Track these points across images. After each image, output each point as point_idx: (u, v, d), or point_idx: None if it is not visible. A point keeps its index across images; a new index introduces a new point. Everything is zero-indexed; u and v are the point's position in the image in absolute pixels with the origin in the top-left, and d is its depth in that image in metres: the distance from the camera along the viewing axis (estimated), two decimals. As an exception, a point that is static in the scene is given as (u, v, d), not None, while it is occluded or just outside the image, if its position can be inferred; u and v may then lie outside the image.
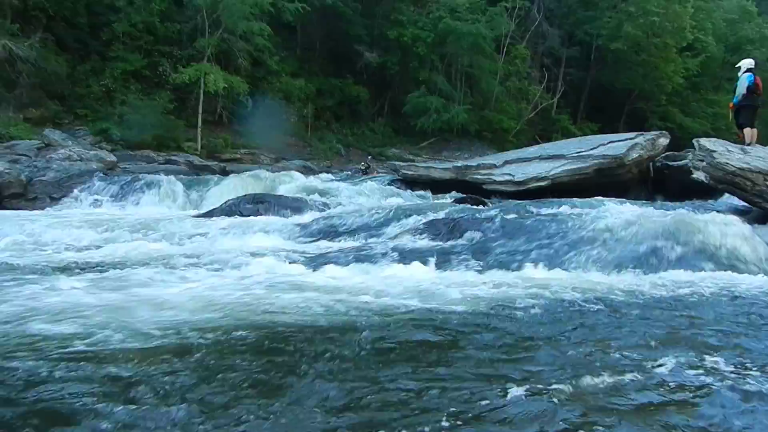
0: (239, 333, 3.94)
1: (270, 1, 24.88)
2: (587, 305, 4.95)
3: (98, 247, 7.62)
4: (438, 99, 29.28)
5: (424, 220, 8.67)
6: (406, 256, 6.71)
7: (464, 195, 13.43)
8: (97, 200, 14.61)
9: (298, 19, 27.17)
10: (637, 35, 33.65)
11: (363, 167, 22.92)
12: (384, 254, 6.69)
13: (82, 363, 3.33)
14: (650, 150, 14.06)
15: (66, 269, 6.11)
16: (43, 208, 13.45)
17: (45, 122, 20.79)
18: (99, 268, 6.10)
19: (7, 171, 14.86)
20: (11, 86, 20.81)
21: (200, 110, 24.09)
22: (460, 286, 5.48)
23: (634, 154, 13.67)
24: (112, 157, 17.66)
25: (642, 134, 14.73)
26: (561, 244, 6.79)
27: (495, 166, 14.89)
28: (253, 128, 24.60)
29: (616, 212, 7.80)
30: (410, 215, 9.39)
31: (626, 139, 14.36)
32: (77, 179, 15.53)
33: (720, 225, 6.48)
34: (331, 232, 9.14)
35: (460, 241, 7.38)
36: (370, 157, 26.09)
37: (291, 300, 4.83)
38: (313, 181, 18.06)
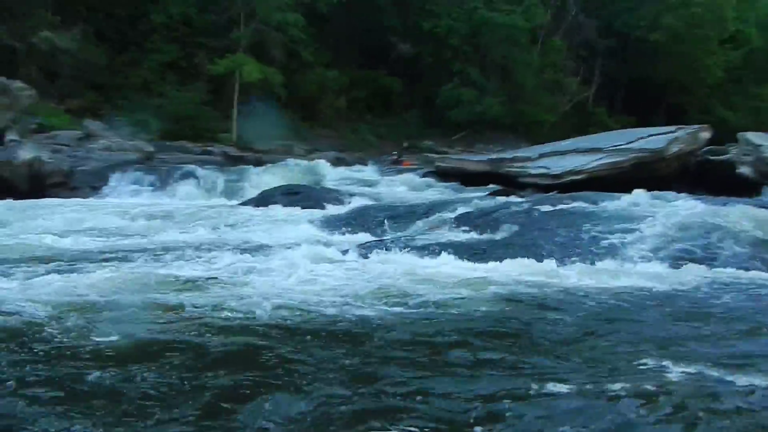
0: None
1: (304, -8, 24.95)
2: (639, 300, 4.89)
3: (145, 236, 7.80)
4: (471, 91, 29.03)
5: (460, 212, 8.63)
6: (444, 248, 6.69)
7: (500, 187, 13.32)
8: (135, 190, 14.91)
9: (332, 10, 27.16)
10: (676, 26, 32.75)
11: (395, 157, 22.85)
12: (423, 246, 6.68)
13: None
14: (691, 144, 13.76)
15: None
16: (84, 197, 13.76)
17: (85, 112, 21.20)
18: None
19: (49, 160, 15.25)
20: (53, 77, 21.29)
21: (235, 101, 24.30)
22: (499, 280, 5.46)
23: (675, 148, 13.40)
24: (150, 148, 17.95)
25: (682, 128, 14.43)
26: (606, 238, 6.69)
27: (530, 159, 14.75)
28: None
29: (664, 207, 7.66)
30: (446, 207, 9.36)
31: (666, 133, 14.09)
32: (116, 169, 15.86)
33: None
34: (366, 224, 9.15)
35: (497, 234, 7.32)
36: (406, 145, 25.95)
37: (344, 291, 4.87)
38: (348, 172, 18.16)
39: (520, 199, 9.84)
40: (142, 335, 3.65)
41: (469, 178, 15.71)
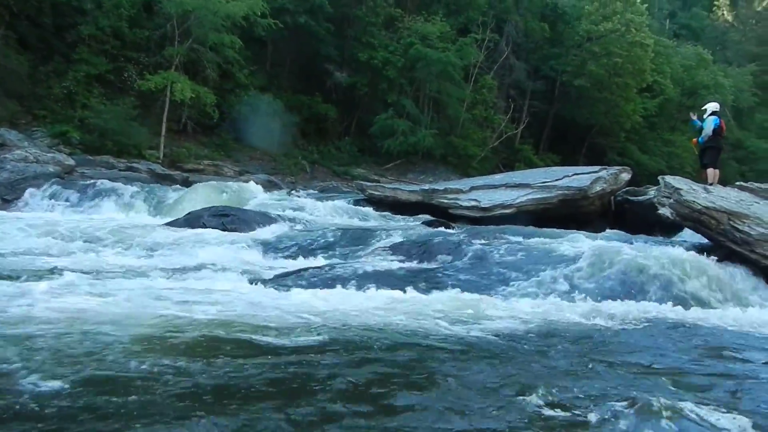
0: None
1: (242, 15, 24.70)
2: (554, 335, 4.95)
3: (54, 255, 7.29)
4: (405, 122, 29.45)
5: (394, 241, 8.61)
6: (378, 278, 6.62)
7: (433, 218, 13.44)
8: (52, 204, 14.11)
9: (269, 34, 27.07)
10: (599, 74, 34.71)
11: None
12: (356, 275, 6.58)
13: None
14: (613, 184, 14.40)
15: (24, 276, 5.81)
16: (-7, 210, 12.90)
17: (1, 122, 20.01)
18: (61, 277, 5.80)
19: (-44, 169, 14.25)
20: (-35, 82, 20.04)
21: (165, 119, 23.60)
22: (434, 309, 5.43)
23: (598, 187, 13.98)
24: (71, 161, 17.12)
25: (606, 168, 15.10)
26: (532, 272, 6.81)
27: (461, 191, 15.00)
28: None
29: (584, 243, 7.89)
30: (379, 235, 9.32)
31: (590, 172, 14.69)
32: (32, 182, 15.01)
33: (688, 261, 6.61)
34: (297, 250, 8.99)
35: (431, 264, 7.33)
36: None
37: (260, 319, 4.68)
38: (278, 196, 17.88)
39: (453, 231, 9.94)
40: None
41: (401, 207, 15.81)
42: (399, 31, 31.69)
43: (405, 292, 6.01)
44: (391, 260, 7.76)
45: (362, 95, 31.32)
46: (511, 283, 6.80)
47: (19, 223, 9.92)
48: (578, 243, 7.93)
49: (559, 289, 6.70)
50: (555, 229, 9.48)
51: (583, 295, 6.47)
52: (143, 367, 3.35)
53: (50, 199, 14.47)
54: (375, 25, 31.51)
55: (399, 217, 15.53)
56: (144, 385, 3.12)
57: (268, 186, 20.25)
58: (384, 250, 8.18)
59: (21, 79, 21.68)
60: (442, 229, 10.82)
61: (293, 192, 19.57)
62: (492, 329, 4.83)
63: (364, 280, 6.31)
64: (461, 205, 14.40)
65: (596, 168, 15.32)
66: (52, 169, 15.95)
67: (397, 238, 8.94)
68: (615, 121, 37.10)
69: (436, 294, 5.99)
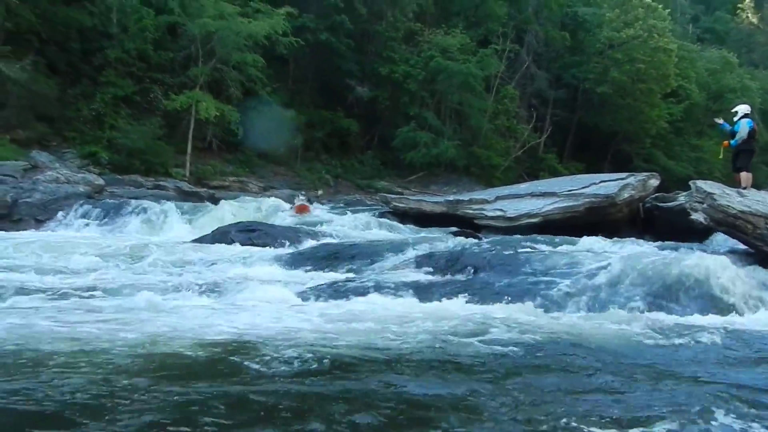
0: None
1: (264, 35, 25.05)
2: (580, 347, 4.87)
3: (93, 270, 7.41)
4: (427, 134, 29.50)
5: (421, 253, 8.58)
6: (407, 288, 6.59)
7: (458, 229, 13.39)
8: (84, 223, 14.36)
9: (291, 52, 27.37)
10: (622, 80, 34.39)
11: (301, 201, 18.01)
12: (385, 286, 6.56)
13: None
14: (641, 191, 14.19)
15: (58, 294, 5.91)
16: (27, 230, 13.17)
17: (32, 144, 20.49)
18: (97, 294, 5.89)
19: (-9, 191, 14.60)
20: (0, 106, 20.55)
21: (190, 137, 23.97)
22: (466, 320, 5.38)
23: (626, 194, 13.79)
24: (100, 181, 17.43)
25: (633, 175, 14.89)
26: (564, 281, 6.72)
27: (487, 201, 14.92)
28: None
29: (615, 251, 7.78)
30: (406, 247, 9.30)
31: (618, 179, 14.50)
32: (64, 202, 15.30)
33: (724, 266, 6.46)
34: (325, 263, 9.01)
35: (459, 276, 7.29)
36: (320, 192, 24.96)
37: (296, 329, 4.69)
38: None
39: (480, 241, 9.88)
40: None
41: (426, 219, 15.78)
42: (419, 45, 31.85)
43: (440, 302, 5.99)
44: (420, 272, 7.74)
45: (384, 109, 31.48)
46: (544, 293, 6.71)
47: (52, 241, 10.11)
48: (609, 251, 7.82)
49: (593, 298, 6.59)
50: (584, 237, 9.36)
51: (618, 304, 6.36)
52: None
53: (81, 218, 14.72)
54: (395, 40, 31.75)
55: (424, 228, 15.53)
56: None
57: (292, 201, 20.37)
58: (412, 262, 8.15)
59: (51, 102, 22.21)
60: (469, 239, 10.77)
61: (318, 204, 19.64)
62: (531, 341, 4.78)
63: (397, 290, 6.30)
64: (487, 215, 14.31)
65: (623, 175, 15.11)
66: (82, 189, 16.25)
67: (424, 249, 8.92)
68: (640, 127, 36.65)
69: (471, 305, 5.94)
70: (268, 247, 10.52)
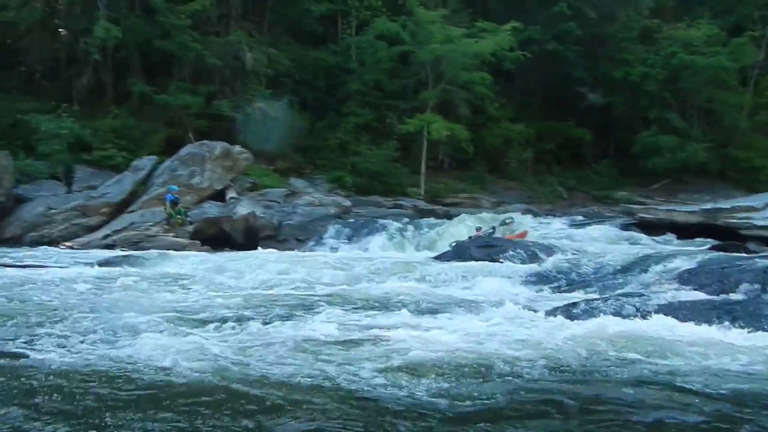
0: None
1: (490, 52, 25.27)
2: None
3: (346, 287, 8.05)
4: (672, 138, 26.90)
5: (681, 268, 7.75)
6: (668, 310, 5.97)
7: (717, 241, 11.92)
8: (335, 242, 15.77)
9: (517, 66, 27.16)
10: None
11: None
12: (643, 306, 6.03)
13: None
14: None
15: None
16: (290, 249, 14.82)
17: (290, 172, 23.23)
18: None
19: (261, 215, 16.80)
20: (264, 142, 23.65)
21: (423, 157, 25.07)
22: (744, 349, 4.69)
23: None
24: (347, 203, 19.01)
25: None
26: None
27: (754, 209, 13.09)
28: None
29: None
30: (660, 262, 8.49)
31: None
32: (318, 223, 17.01)
33: None
34: (572, 280, 8.62)
35: (735, 295, 6.40)
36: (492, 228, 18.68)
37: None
38: (539, 224, 17.60)
39: (754, 255, 8.64)
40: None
41: (677, 230, 14.35)
42: (657, 43, 29.41)
43: (710, 325, 5.32)
44: (683, 290, 6.97)
45: (619, 114, 29.61)
46: None
47: (319, 261, 11.20)
48: None
49: None
50: None
51: None
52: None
53: (333, 238, 16.19)
54: (629, 40, 29.77)
55: (676, 241, 14.13)
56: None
57: (527, 215, 20.06)
58: (671, 279, 7.40)
59: (304, 135, 25.06)
60: (735, 253, 9.49)
61: (553, 219, 19.04)
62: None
63: (655, 311, 5.75)
64: (755, 225, 12.53)
65: None
66: (333, 210, 17.90)
67: (682, 264, 8.04)
68: None
69: (754, 332, 5.16)
70: (507, 263, 10.43)
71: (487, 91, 26.38)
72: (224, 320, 5.60)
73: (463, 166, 27.13)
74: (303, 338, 4.86)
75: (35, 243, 15.57)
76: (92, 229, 16.36)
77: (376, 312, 6.19)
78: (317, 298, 7.14)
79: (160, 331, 5.08)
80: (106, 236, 15.78)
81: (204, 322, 5.57)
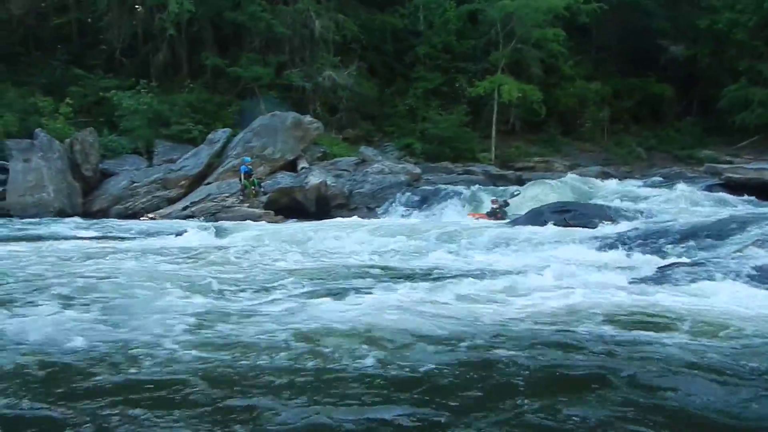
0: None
1: (564, 6, 24.19)
2: None
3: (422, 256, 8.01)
4: (763, 90, 25.11)
5: (775, 232, 7.27)
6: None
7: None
8: (406, 210, 15.76)
9: (593, 19, 25.92)
10: None
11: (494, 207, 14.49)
12: (737, 272, 5.71)
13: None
14: None
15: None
16: (362, 217, 14.90)
17: (359, 141, 23.28)
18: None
19: (333, 184, 16.98)
20: (333, 111, 23.80)
21: (494, 121, 24.52)
22: None
23: None
24: (417, 170, 18.88)
25: None
26: None
27: None
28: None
29: None
30: (752, 226, 8.00)
31: None
32: (388, 191, 17.03)
33: None
34: (654, 245, 8.26)
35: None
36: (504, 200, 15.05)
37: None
38: (616, 186, 16.97)
39: None
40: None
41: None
42: (748, -15, 27.26)
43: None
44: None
45: (704, 67, 27.87)
46: None
47: (394, 227, 11.24)
48: None
49: None
50: None
51: None
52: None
53: (404, 205, 16.18)
54: (716, -16, 27.75)
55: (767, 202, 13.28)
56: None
57: (603, 177, 19.38)
58: (765, 244, 6.95)
59: (372, 102, 24.99)
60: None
61: (631, 181, 18.30)
62: None
63: (753, 278, 5.43)
64: None
65: None
66: (403, 178, 17.84)
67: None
68: None
69: None
70: (584, 228, 10.10)
71: (560, 48, 25.40)
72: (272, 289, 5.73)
73: (535, 129, 26.41)
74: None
75: (120, 215, 16.43)
76: (172, 201, 17.09)
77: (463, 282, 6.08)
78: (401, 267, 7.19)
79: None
80: (185, 208, 16.44)
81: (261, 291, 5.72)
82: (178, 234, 10.80)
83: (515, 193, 15.18)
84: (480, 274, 6.46)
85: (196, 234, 10.66)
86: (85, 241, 10.32)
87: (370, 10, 26.40)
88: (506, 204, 14.27)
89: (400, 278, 6.40)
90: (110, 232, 12.35)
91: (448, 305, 4.95)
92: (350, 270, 6.97)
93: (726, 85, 26.41)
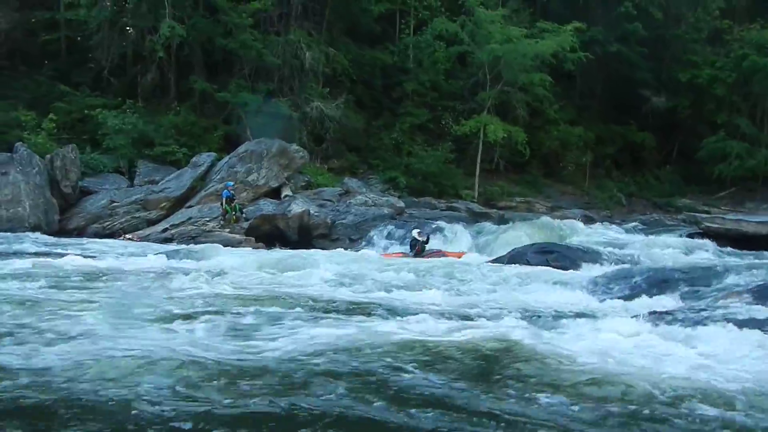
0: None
1: (551, 53, 24.74)
2: None
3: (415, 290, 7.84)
4: (740, 144, 25.82)
5: (757, 283, 7.31)
6: (747, 325, 5.61)
7: (793, 254, 11.24)
8: (388, 243, 15.66)
9: (578, 67, 26.52)
10: None
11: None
12: (720, 320, 5.69)
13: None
14: None
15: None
16: (344, 248, 14.78)
17: (344, 172, 23.30)
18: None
19: (316, 214, 16.86)
20: (319, 141, 23.84)
21: (479, 159, 24.74)
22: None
23: None
24: (401, 204, 18.89)
25: None
26: None
27: (834, 222, 12.28)
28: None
29: None
30: (731, 275, 8.06)
31: None
32: (371, 223, 16.92)
33: None
34: (634, 289, 8.26)
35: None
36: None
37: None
38: (597, 231, 17.06)
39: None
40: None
41: (746, 242, 13.62)
42: (727, 45, 28.27)
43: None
44: (756, 306, 6.56)
45: (684, 118, 28.63)
46: None
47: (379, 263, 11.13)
48: None
49: None
50: None
51: None
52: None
53: (386, 238, 16.07)
54: (697, 42, 28.72)
55: (745, 252, 13.41)
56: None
57: (584, 221, 19.51)
58: (746, 293, 6.97)
59: (359, 134, 25.12)
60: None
61: (612, 226, 18.45)
62: None
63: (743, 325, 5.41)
64: (834, 238, 11.77)
65: None
66: (386, 211, 17.81)
67: (755, 278, 7.60)
68: None
69: None
70: (566, 270, 10.08)
71: (546, 93, 25.89)
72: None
73: (518, 169, 26.71)
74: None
75: (98, 234, 16.10)
76: (152, 222, 16.82)
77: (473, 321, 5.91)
78: (366, 300, 7.06)
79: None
80: (165, 230, 16.18)
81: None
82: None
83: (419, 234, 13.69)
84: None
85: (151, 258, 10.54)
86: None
87: (361, 45, 26.77)
88: (428, 240, 13.64)
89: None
90: (55, 249, 11.98)
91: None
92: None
93: (705, 136, 27.11)
